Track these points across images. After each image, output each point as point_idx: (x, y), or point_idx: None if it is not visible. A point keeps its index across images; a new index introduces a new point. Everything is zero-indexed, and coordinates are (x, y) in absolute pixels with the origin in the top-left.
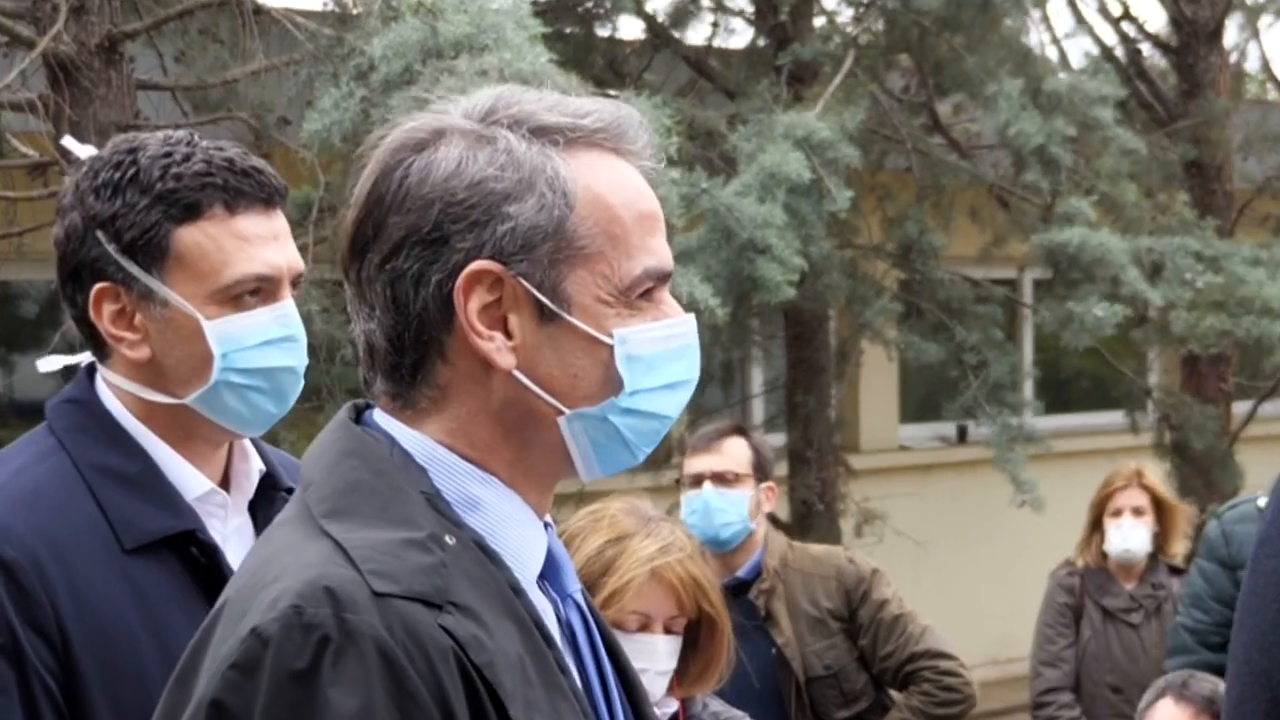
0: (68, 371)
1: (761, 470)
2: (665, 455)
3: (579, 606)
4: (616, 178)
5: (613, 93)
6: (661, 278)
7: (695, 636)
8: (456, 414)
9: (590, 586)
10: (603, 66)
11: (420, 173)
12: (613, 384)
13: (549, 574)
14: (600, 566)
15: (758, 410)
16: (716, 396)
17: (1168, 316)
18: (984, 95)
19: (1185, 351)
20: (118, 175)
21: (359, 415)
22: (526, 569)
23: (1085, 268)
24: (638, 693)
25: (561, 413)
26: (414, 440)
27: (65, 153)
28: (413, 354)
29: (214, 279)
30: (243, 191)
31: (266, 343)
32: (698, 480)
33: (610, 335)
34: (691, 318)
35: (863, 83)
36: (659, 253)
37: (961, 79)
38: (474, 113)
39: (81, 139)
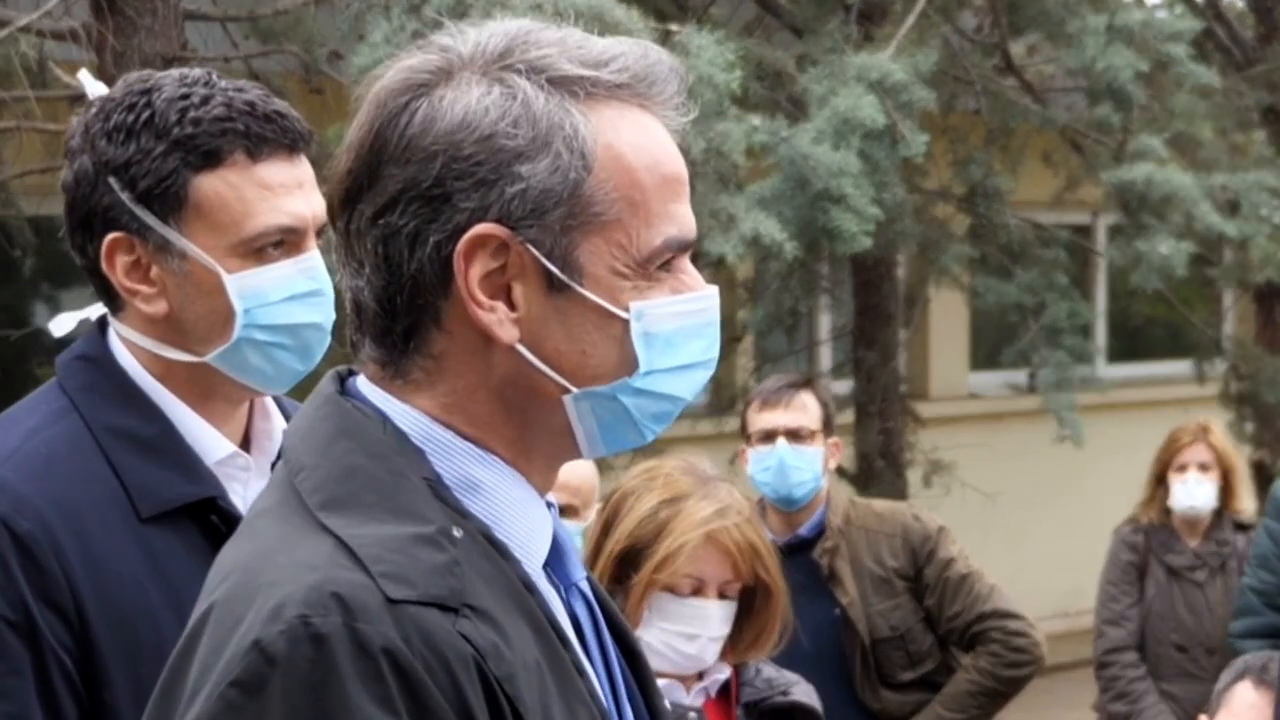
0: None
1: (829, 425)
2: (729, 403)
3: (584, 595)
4: (640, 136)
5: (674, 28)
6: (683, 247)
7: (750, 602)
8: (453, 388)
9: (643, 548)
10: None
11: (423, 121)
12: (626, 362)
13: (553, 561)
14: (654, 528)
15: (824, 357)
16: (782, 342)
17: (1245, 251)
18: (1064, 33)
19: (1264, 280)
20: (131, 118)
21: (343, 384)
22: (533, 557)
23: (1155, 206)
24: (647, 680)
25: (568, 391)
26: (407, 416)
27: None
28: (405, 319)
29: (236, 230)
30: (265, 138)
31: (291, 298)
32: (770, 436)
33: (626, 309)
34: (714, 290)
35: (935, 23)
36: (681, 220)
37: (1039, 18)
38: (487, 52)
39: (126, 70)
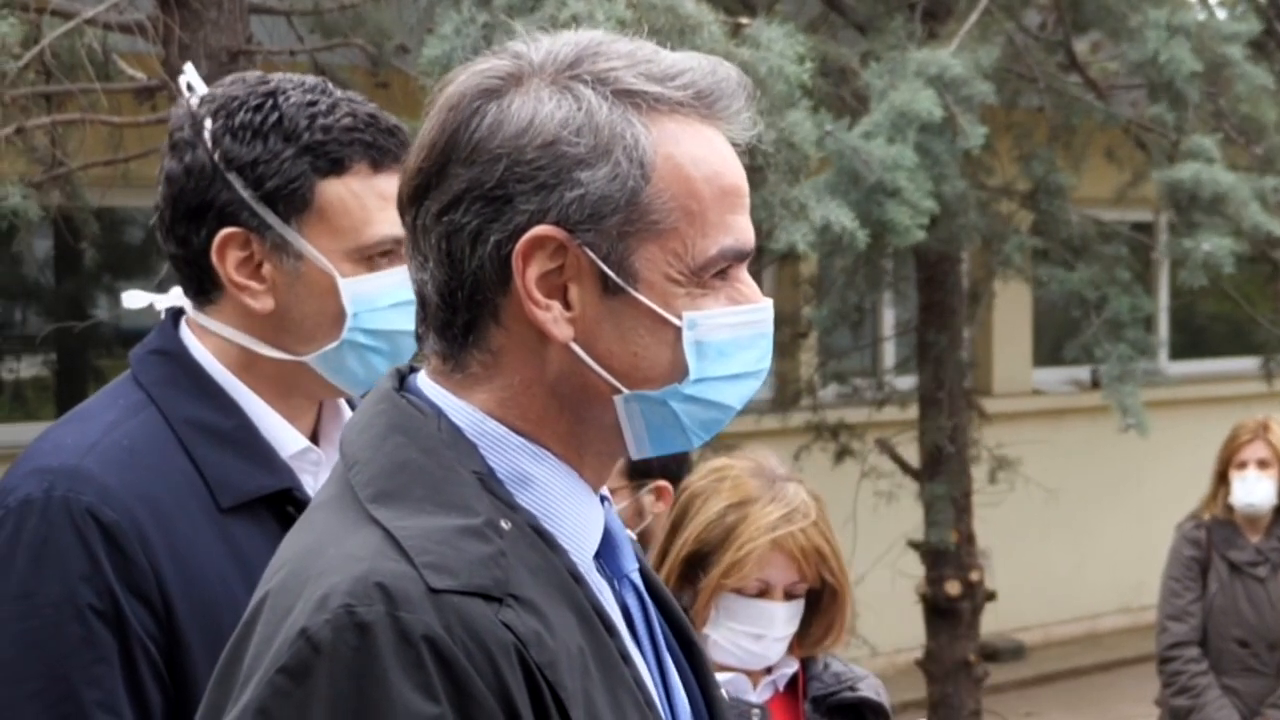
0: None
1: (640, 475)
2: (794, 398)
3: (635, 586)
4: (701, 149)
5: (744, 21)
6: (739, 257)
7: (817, 599)
8: (509, 383)
9: (710, 552)
10: None
11: (491, 125)
12: (677, 368)
13: (605, 553)
14: (721, 532)
15: (889, 353)
16: (846, 339)
17: None
18: (1126, 28)
19: None
20: (258, 118)
21: (402, 381)
22: (583, 549)
23: (1205, 206)
24: (703, 669)
25: (619, 391)
26: (462, 411)
27: (179, 80)
28: (465, 314)
29: (354, 236)
30: (387, 150)
31: (396, 305)
32: None
33: (679, 317)
34: (769, 303)
35: (998, 20)
36: (739, 231)
37: (1102, 14)
38: (557, 61)
39: (194, 63)
